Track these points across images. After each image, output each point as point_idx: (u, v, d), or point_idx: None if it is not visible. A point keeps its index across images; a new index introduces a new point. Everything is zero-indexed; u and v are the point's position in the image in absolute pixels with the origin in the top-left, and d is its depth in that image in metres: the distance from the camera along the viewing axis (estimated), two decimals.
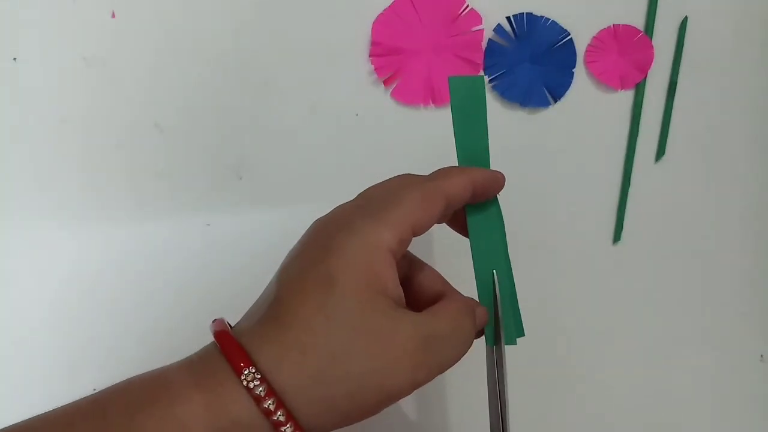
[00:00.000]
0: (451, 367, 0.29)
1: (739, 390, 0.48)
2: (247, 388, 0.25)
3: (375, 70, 0.46)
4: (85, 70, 0.46)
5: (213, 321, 0.28)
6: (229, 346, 0.26)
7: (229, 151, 0.46)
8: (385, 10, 0.46)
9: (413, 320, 0.27)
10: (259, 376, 0.25)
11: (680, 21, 0.48)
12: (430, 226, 0.29)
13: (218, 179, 0.46)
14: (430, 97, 0.47)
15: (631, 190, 0.48)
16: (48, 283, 0.45)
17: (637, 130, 0.48)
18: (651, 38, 0.48)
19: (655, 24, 0.48)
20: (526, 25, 0.47)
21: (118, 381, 0.26)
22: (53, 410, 0.25)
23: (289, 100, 0.47)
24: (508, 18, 0.47)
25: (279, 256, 0.30)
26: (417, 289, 0.32)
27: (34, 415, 0.25)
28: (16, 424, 0.24)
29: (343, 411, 0.26)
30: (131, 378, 0.26)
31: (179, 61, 0.46)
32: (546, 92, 0.47)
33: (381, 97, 0.47)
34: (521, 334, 0.34)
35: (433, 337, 0.28)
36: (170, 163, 0.46)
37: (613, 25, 0.47)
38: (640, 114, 0.48)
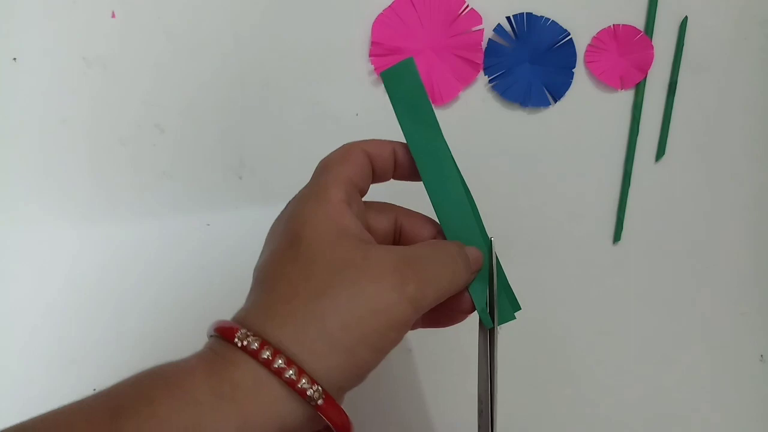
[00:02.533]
0: (450, 288, 0.29)
1: (739, 390, 0.48)
2: (242, 348, 0.25)
3: (375, 70, 0.46)
4: (86, 70, 0.46)
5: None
6: (223, 326, 0.26)
7: (229, 151, 0.46)
8: (385, 10, 0.46)
9: (386, 247, 0.28)
10: (250, 334, 0.25)
11: (680, 21, 0.48)
12: (368, 176, 0.31)
13: (218, 179, 0.46)
14: (430, 96, 0.47)
15: (632, 190, 0.48)
16: (49, 282, 0.45)
17: (637, 130, 0.48)
18: (651, 38, 0.48)
19: (655, 24, 0.48)
20: (526, 25, 0.47)
21: (117, 378, 0.26)
22: (63, 406, 0.25)
23: (290, 100, 0.47)
24: (508, 18, 0.47)
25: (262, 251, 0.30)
26: (410, 238, 0.33)
27: (34, 410, 0.25)
28: (20, 423, 0.24)
29: (347, 346, 0.25)
30: (139, 372, 0.26)
31: (180, 61, 0.46)
32: (546, 92, 0.47)
33: (381, 97, 0.47)
34: (517, 307, 0.34)
35: (413, 255, 0.28)
36: (171, 163, 0.46)
37: (613, 25, 0.47)
38: (640, 114, 0.48)
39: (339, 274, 0.26)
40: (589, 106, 0.48)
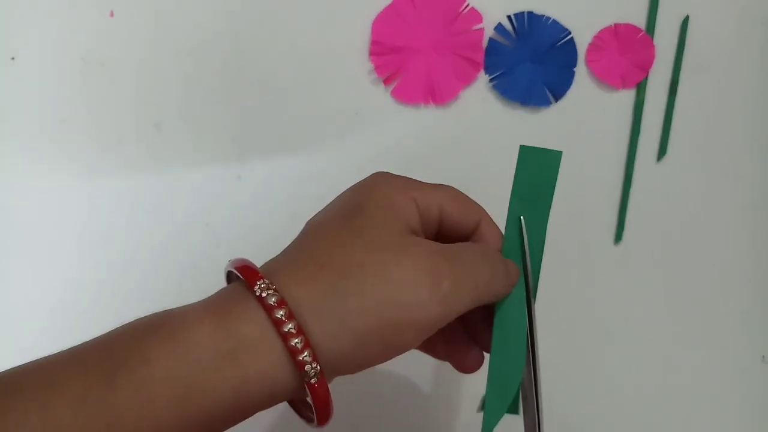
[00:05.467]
0: (486, 292, 0.27)
1: (741, 391, 0.48)
2: (259, 297, 0.24)
3: (375, 69, 0.46)
4: (84, 70, 0.45)
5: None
6: (245, 267, 0.25)
7: (228, 151, 0.46)
8: (385, 8, 0.46)
9: (429, 241, 0.27)
10: (273, 287, 0.24)
11: (681, 20, 0.48)
12: (456, 224, 0.29)
13: (218, 179, 0.46)
14: (430, 96, 0.46)
15: (633, 190, 0.48)
16: (45, 284, 0.45)
17: (639, 130, 0.48)
18: (652, 37, 0.47)
19: (656, 23, 0.47)
20: (527, 24, 0.47)
21: None
22: (61, 351, 0.24)
23: (289, 99, 0.47)
24: (508, 17, 0.47)
25: (329, 205, 0.29)
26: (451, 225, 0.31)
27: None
28: (11, 369, 0.23)
29: (358, 332, 0.24)
30: (143, 316, 0.26)
31: (178, 60, 0.46)
32: (547, 91, 0.47)
33: (381, 96, 0.47)
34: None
35: (453, 251, 0.27)
36: (170, 163, 0.46)
37: (615, 24, 0.47)
38: (641, 113, 0.48)
39: (375, 255, 0.25)
40: (590, 106, 0.48)
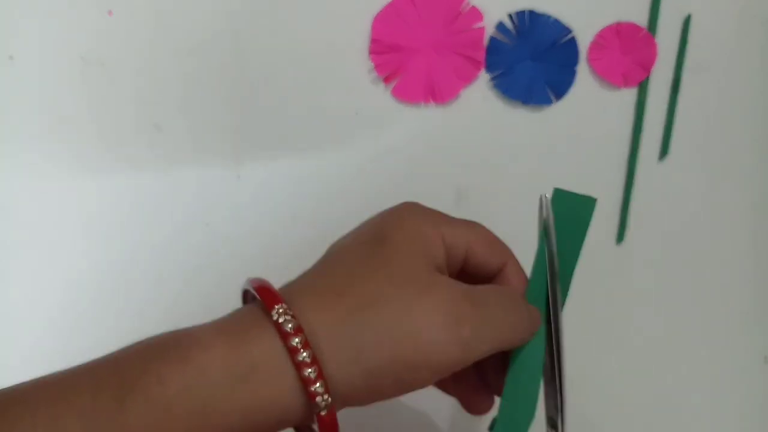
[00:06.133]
0: (510, 339, 0.27)
1: (743, 391, 0.48)
2: (275, 323, 0.23)
3: (375, 67, 0.46)
4: (83, 69, 0.45)
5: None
6: (264, 289, 0.25)
7: (228, 151, 0.46)
8: (384, 7, 0.46)
9: (454, 281, 0.26)
10: (290, 313, 0.24)
11: (683, 19, 0.48)
12: (483, 263, 0.29)
13: (217, 179, 0.46)
14: (430, 94, 0.46)
15: (635, 190, 0.47)
16: (45, 285, 0.45)
17: (641, 129, 0.47)
18: (654, 36, 0.47)
19: (658, 22, 0.47)
20: (528, 23, 0.46)
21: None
22: (72, 367, 0.24)
23: (289, 99, 0.46)
24: (509, 15, 0.47)
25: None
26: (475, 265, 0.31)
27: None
28: (21, 384, 0.23)
29: (371, 366, 0.24)
30: (154, 336, 0.25)
31: (178, 59, 0.46)
32: (548, 90, 0.47)
33: (381, 95, 0.47)
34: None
35: (479, 295, 0.26)
36: (169, 163, 0.46)
37: (616, 22, 0.47)
38: (643, 112, 0.47)
39: (397, 289, 0.25)
40: (592, 104, 0.47)
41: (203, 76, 0.46)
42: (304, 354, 0.23)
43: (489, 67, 0.47)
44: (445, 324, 0.24)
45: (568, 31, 0.47)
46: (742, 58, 0.48)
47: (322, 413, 0.23)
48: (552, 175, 0.47)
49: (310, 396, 0.23)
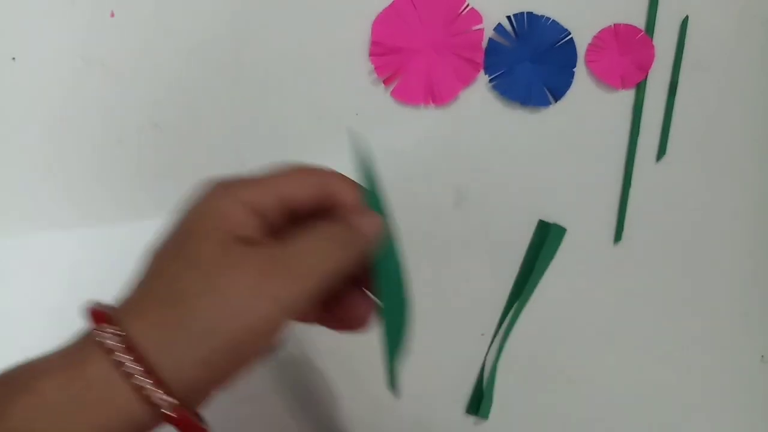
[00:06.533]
0: (339, 269, 0.27)
1: (740, 390, 0.48)
2: (101, 339, 0.24)
3: (375, 69, 0.46)
4: (84, 70, 0.45)
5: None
6: (91, 309, 0.26)
7: (228, 151, 0.46)
8: (385, 9, 0.46)
9: (257, 249, 0.26)
10: (113, 328, 0.24)
11: (681, 20, 0.48)
12: (306, 200, 0.29)
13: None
14: (430, 96, 0.47)
15: (632, 190, 0.48)
16: (48, 284, 0.45)
17: (638, 130, 0.48)
18: (652, 38, 0.47)
19: (655, 23, 0.47)
20: (527, 25, 0.47)
21: None
22: None
23: (289, 100, 0.47)
24: (508, 17, 0.47)
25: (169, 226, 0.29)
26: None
27: None
28: None
29: (203, 354, 0.24)
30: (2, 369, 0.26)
31: (178, 60, 0.46)
32: (546, 92, 0.47)
33: (381, 96, 0.47)
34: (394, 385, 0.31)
35: (283, 250, 0.26)
36: (170, 163, 0.46)
37: (614, 24, 0.47)
38: (641, 113, 0.48)
39: (203, 276, 0.25)
40: (590, 106, 0.48)
41: (203, 76, 0.46)
42: (130, 364, 0.24)
43: (488, 69, 0.47)
44: (250, 288, 0.25)
45: (566, 32, 0.47)
46: (739, 60, 0.48)
47: (168, 411, 0.24)
48: (550, 175, 0.48)
49: (146, 401, 0.24)
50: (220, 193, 0.28)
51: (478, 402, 0.46)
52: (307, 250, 0.27)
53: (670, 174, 0.48)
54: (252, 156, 0.46)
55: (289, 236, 0.27)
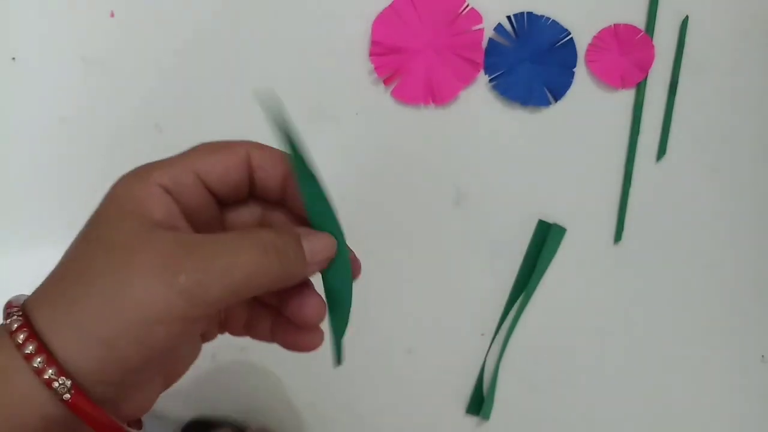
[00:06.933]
0: (248, 283, 0.24)
1: (741, 390, 0.48)
2: (4, 325, 0.23)
3: (375, 69, 0.46)
4: (85, 70, 0.46)
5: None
6: (9, 300, 0.25)
7: None
8: (385, 9, 0.46)
9: (171, 233, 0.25)
10: (17, 313, 0.24)
11: (681, 20, 0.48)
12: (225, 178, 0.27)
13: None
14: (430, 96, 0.47)
15: (632, 190, 0.48)
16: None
17: (638, 130, 0.48)
18: (652, 38, 0.47)
19: (656, 23, 0.47)
20: (527, 25, 0.47)
21: None
22: None
23: (289, 100, 0.46)
24: (508, 17, 0.47)
25: None
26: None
27: None
28: None
29: (104, 337, 0.23)
30: None
31: (179, 60, 0.46)
32: (546, 91, 0.47)
33: (381, 96, 0.47)
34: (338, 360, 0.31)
35: (199, 241, 0.25)
36: None
37: (614, 24, 0.47)
38: (641, 113, 0.48)
39: (107, 258, 0.24)
40: (590, 106, 0.48)
41: (204, 76, 0.46)
42: (30, 347, 0.23)
43: (488, 69, 0.47)
44: (158, 275, 0.23)
45: (566, 32, 0.47)
46: (739, 60, 0.48)
47: (66, 397, 0.23)
48: (550, 175, 0.48)
49: (47, 384, 0.23)
50: (135, 176, 0.27)
51: (479, 403, 0.46)
52: (231, 248, 0.25)
53: (670, 174, 0.48)
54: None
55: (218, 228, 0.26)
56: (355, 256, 0.29)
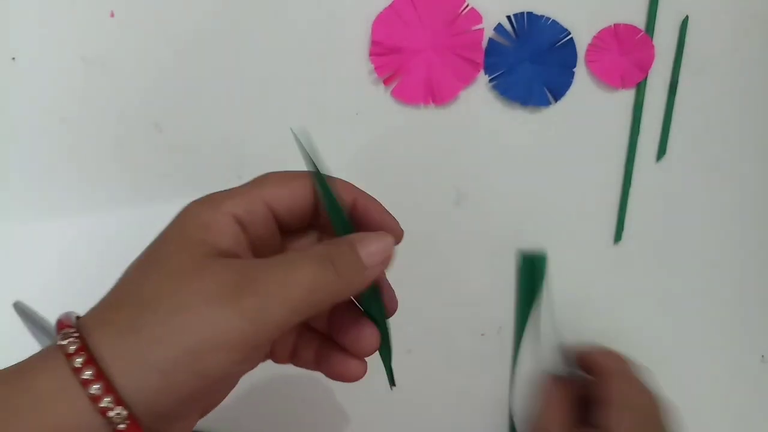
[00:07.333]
0: (309, 299, 0.24)
1: (741, 390, 0.48)
2: (59, 346, 0.23)
3: (375, 69, 0.46)
4: (85, 70, 0.46)
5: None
6: (63, 319, 0.25)
7: (229, 151, 0.46)
8: (385, 9, 0.46)
9: (231, 260, 0.25)
10: (75, 334, 0.23)
11: (681, 20, 0.48)
12: (294, 207, 0.28)
13: (218, 179, 0.46)
14: (430, 96, 0.47)
15: (632, 190, 0.48)
16: (44, 282, 0.45)
17: (638, 130, 0.48)
18: (652, 37, 0.47)
19: (655, 23, 0.47)
20: (527, 24, 0.47)
21: None
22: None
23: (289, 100, 0.47)
24: (508, 17, 0.47)
25: None
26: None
27: None
28: None
29: (161, 365, 0.23)
30: None
31: (179, 60, 0.46)
32: (546, 91, 0.47)
33: (381, 96, 0.47)
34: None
35: (259, 267, 0.25)
36: (170, 163, 0.46)
37: (614, 24, 0.47)
38: (641, 113, 0.48)
39: (170, 282, 0.24)
40: (590, 106, 0.48)
41: (204, 76, 0.46)
42: (88, 372, 0.22)
43: (488, 69, 0.47)
44: (220, 301, 0.23)
45: (566, 32, 0.47)
46: (739, 60, 0.48)
47: (121, 427, 0.22)
48: (550, 175, 0.48)
49: (101, 413, 0.22)
50: (205, 203, 0.27)
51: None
52: (285, 272, 0.25)
53: (670, 174, 0.48)
54: (252, 156, 0.46)
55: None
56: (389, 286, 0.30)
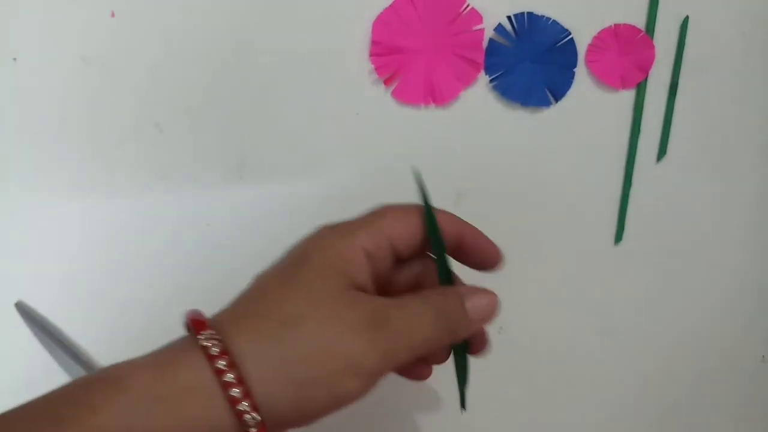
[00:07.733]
0: (423, 344, 0.28)
1: (741, 391, 0.48)
2: (202, 347, 0.24)
3: (375, 69, 0.46)
4: (85, 70, 0.46)
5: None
6: (194, 318, 0.26)
7: (229, 151, 0.46)
8: (385, 9, 0.46)
9: (376, 297, 0.28)
10: (217, 337, 0.25)
11: (681, 20, 0.48)
12: (410, 241, 0.30)
13: (218, 179, 0.46)
14: (430, 96, 0.47)
15: (633, 191, 0.48)
16: (44, 282, 0.45)
17: (639, 130, 0.48)
18: (652, 38, 0.47)
19: (656, 23, 0.47)
20: (527, 25, 0.47)
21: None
22: (3, 413, 0.24)
23: (289, 100, 0.47)
24: (508, 17, 0.47)
25: (279, 256, 0.30)
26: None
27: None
28: None
29: (299, 380, 0.25)
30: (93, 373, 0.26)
31: (179, 60, 0.46)
32: (547, 92, 0.47)
33: (381, 96, 0.47)
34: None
35: (392, 304, 0.27)
36: (170, 163, 0.46)
37: (614, 24, 0.47)
38: (641, 114, 0.48)
39: (316, 306, 0.26)
40: (590, 106, 0.48)
41: (204, 76, 0.46)
42: (230, 375, 0.24)
43: (488, 69, 0.47)
44: (360, 332, 0.26)
45: (566, 32, 0.47)
46: (739, 60, 0.48)
47: (252, 431, 0.24)
48: (551, 175, 0.48)
49: (238, 415, 0.24)
50: (340, 234, 0.29)
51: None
52: (415, 315, 0.28)
53: (670, 174, 0.48)
54: (252, 156, 0.46)
55: (396, 292, 0.29)
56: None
